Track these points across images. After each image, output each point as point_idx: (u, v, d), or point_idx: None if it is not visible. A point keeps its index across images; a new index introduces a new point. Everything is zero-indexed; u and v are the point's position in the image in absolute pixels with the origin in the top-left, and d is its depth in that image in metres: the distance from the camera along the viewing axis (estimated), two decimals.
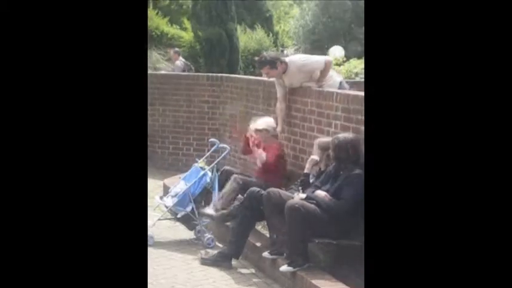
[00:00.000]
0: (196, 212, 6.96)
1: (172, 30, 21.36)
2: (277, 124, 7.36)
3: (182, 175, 7.45)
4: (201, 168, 7.17)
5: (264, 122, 7.22)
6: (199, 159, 7.44)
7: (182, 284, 5.80)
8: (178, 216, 7.03)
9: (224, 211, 6.66)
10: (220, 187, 7.02)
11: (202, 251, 6.51)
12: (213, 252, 6.54)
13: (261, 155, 6.95)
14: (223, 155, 7.29)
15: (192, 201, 6.95)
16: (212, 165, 7.20)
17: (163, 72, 13.70)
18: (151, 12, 20.36)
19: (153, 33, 20.25)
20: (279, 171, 7.06)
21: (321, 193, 5.65)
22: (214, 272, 6.16)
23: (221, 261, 6.32)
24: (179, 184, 7.19)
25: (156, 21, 21.20)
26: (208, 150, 7.71)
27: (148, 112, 11.42)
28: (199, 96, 10.81)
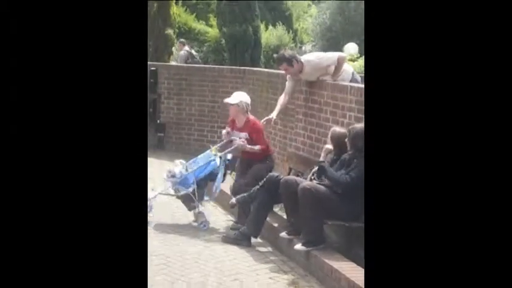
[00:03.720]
0: (196, 194, 6.94)
1: (199, 26, 21.41)
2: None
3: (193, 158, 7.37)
4: (214, 155, 7.13)
5: (236, 96, 7.22)
6: (213, 146, 7.39)
7: (205, 260, 5.85)
8: (179, 194, 6.97)
9: (245, 194, 6.67)
10: (224, 176, 7.05)
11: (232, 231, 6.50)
12: (234, 231, 6.59)
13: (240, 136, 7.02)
14: (234, 146, 7.13)
15: (195, 183, 6.95)
16: (221, 153, 7.13)
17: (190, 65, 13.72)
18: (179, 9, 20.40)
19: (182, 28, 20.32)
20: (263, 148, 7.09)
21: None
22: (235, 250, 6.20)
23: (241, 240, 6.35)
24: (177, 165, 7.08)
25: (184, 17, 21.26)
26: (221, 140, 7.63)
27: (176, 102, 11.57)
28: (223, 87, 10.87)
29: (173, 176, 6.94)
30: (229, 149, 7.16)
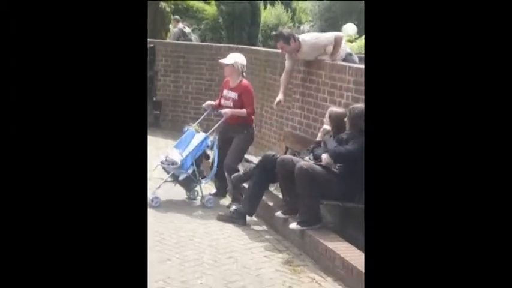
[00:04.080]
0: (197, 174, 6.96)
1: (197, 3, 21.27)
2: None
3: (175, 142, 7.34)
4: (196, 131, 7.14)
5: (232, 57, 7.22)
6: (193, 124, 7.39)
7: (200, 238, 5.85)
8: (180, 178, 6.94)
9: (241, 173, 6.68)
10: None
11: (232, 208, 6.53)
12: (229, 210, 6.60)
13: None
14: (222, 120, 7.15)
15: (194, 163, 6.94)
16: (212, 129, 7.16)
17: (188, 42, 13.64)
18: None
19: (179, 6, 20.20)
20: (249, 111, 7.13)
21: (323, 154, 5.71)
22: (230, 228, 6.21)
23: (236, 218, 6.36)
24: (173, 152, 7.05)
25: None
26: (204, 110, 7.67)
27: (173, 79, 11.52)
28: (221, 65, 10.76)
29: (173, 163, 6.91)
30: (219, 123, 7.15)
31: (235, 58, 7.19)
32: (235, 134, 7.08)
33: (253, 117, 7.27)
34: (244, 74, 7.22)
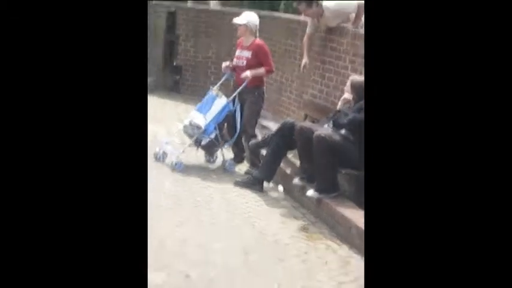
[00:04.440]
0: (219, 138, 6.96)
1: None
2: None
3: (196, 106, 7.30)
4: (216, 95, 7.09)
5: (245, 16, 7.16)
6: (213, 87, 7.32)
7: (217, 202, 5.87)
8: (203, 143, 6.97)
9: (259, 139, 6.67)
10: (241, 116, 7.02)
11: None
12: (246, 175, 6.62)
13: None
14: (244, 84, 7.01)
15: (217, 128, 6.95)
16: (234, 94, 7.08)
17: (209, 7, 13.56)
18: None
19: None
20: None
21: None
22: (247, 194, 6.23)
23: (253, 184, 6.37)
24: (197, 116, 7.01)
25: None
26: (222, 74, 7.60)
27: (193, 44, 11.48)
28: None
29: (198, 127, 6.91)
30: (241, 87, 7.05)
31: (248, 18, 7.13)
32: (247, 97, 7.03)
33: (264, 79, 7.21)
34: (257, 33, 7.16)
